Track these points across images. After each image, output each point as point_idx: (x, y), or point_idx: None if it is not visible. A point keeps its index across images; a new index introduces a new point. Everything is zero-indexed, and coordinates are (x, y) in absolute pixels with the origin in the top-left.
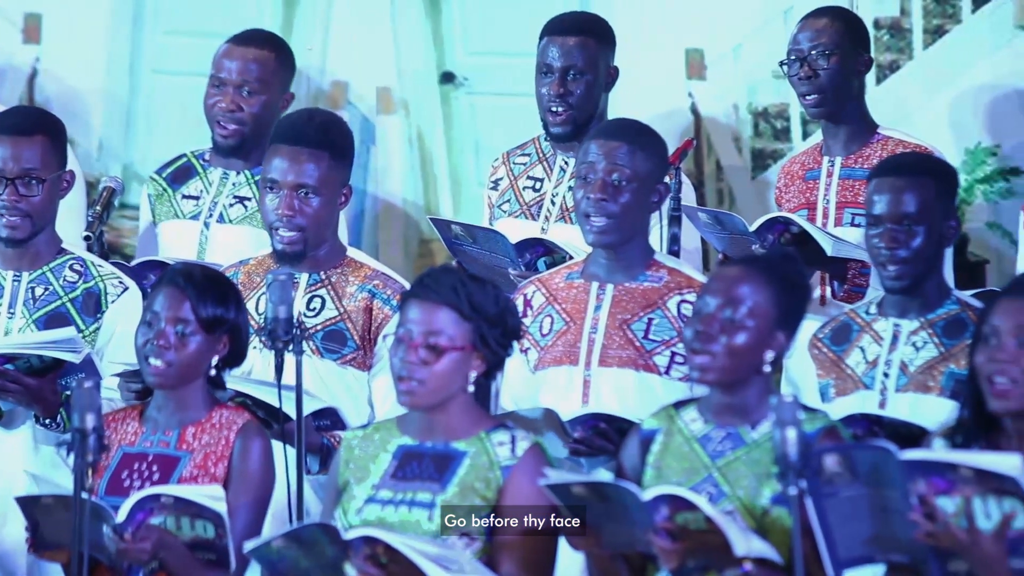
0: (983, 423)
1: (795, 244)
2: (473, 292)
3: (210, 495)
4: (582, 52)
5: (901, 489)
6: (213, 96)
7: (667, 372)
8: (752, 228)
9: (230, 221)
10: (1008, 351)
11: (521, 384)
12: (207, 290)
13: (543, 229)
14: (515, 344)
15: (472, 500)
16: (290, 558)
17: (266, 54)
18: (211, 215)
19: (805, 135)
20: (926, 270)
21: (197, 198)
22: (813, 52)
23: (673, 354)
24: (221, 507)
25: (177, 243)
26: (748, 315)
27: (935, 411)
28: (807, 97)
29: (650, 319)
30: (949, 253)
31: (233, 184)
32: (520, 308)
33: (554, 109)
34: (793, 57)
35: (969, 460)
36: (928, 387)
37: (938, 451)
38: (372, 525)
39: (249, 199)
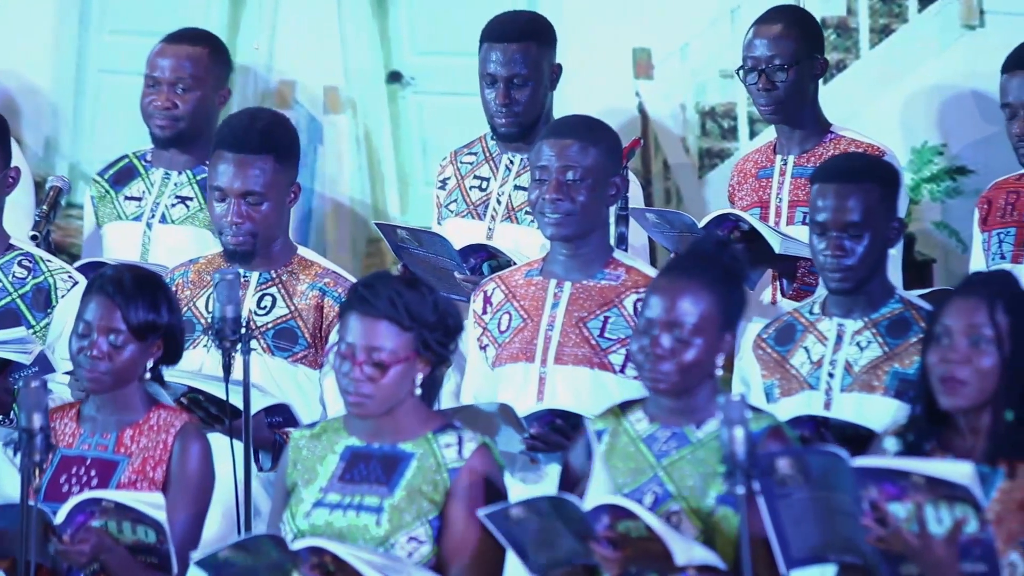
0: (935, 421)
1: (744, 241)
2: (410, 302)
3: (150, 502)
4: (524, 59)
5: (853, 494)
6: (149, 95)
7: (622, 370)
8: (701, 224)
9: (172, 221)
10: (960, 351)
11: (481, 380)
12: (136, 297)
13: (490, 228)
14: (459, 341)
15: (420, 503)
16: (238, 564)
17: (199, 51)
18: (153, 216)
19: (752, 134)
20: (870, 273)
21: (139, 199)
22: (771, 65)
23: (628, 352)
24: (161, 515)
25: (121, 244)
26: (694, 331)
27: (880, 411)
28: (764, 107)
29: (606, 317)
30: (899, 253)
31: (175, 184)
32: (480, 305)
33: (500, 119)
34: (750, 65)
35: (921, 468)
36: (873, 387)
37: (889, 459)
38: (320, 530)
39: (191, 199)
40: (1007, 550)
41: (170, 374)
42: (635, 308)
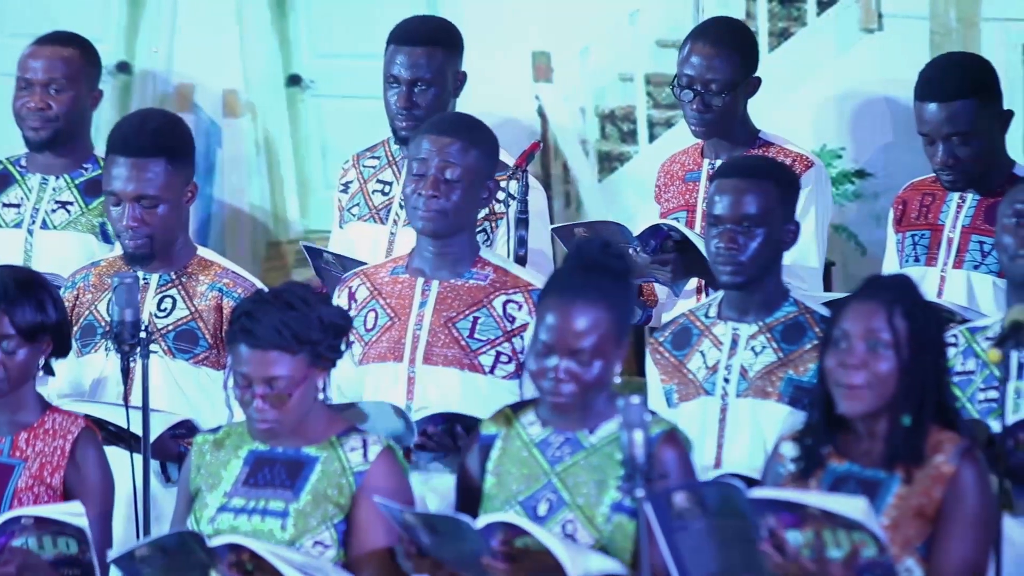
0: (833, 425)
1: (677, 251)
2: (296, 326)
3: (70, 512)
4: (429, 63)
5: (751, 522)
6: (21, 98)
7: (492, 371)
8: (636, 235)
9: (54, 227)
10: (858, 355)
11: (348, 377)
12: (22, 299)
13: (392, 233)
14: (350, 335)
15: (325, 507)
16: (155, 562)
17: (71, 52)
18: (34, 222)
19: (652, 138)
20: (762, 272)
21: (18, 206)
22: (708, 89)
23: (498, 354)
24: (82, 522)
25: (2, 252)
26: (594, 354)
27: (774, 417)
28: (695, 125)
29: (475, 318)
30: (820, 265)
31: (53, 189)
32: (344, 301)
33: (401, 122)
34: (685, 82)
35: (816, 502)
36: (767, 392)
37: (785, 491)
38: (225, 534)
39: (71, 203)
40: (903, 556)
41: (71, 404)
42: (504, 309)
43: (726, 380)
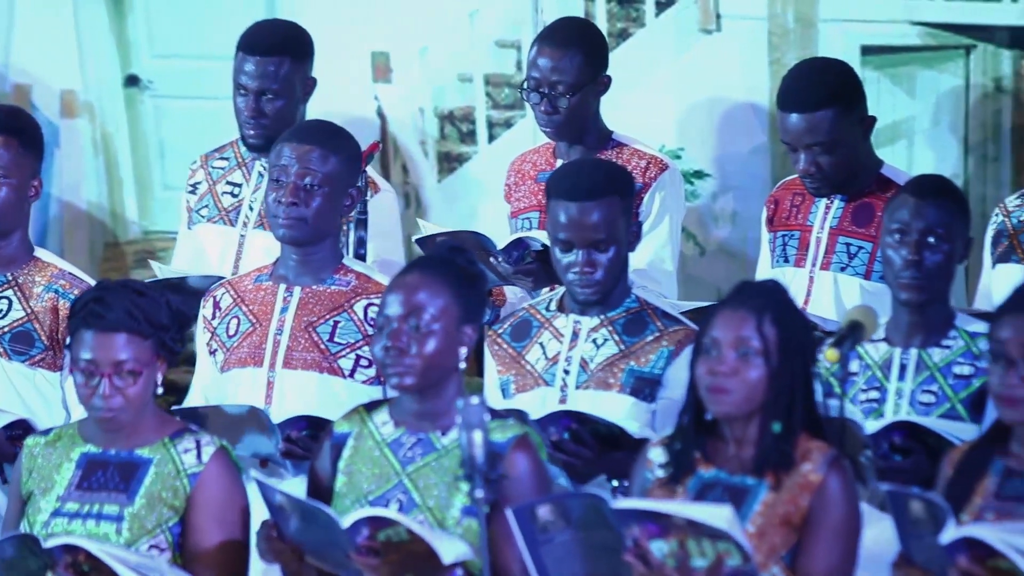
0: (702, 431)
1: (540, 261)
2: (147, 309)
3: None
4: (276, 74)
5: (615, 532)
6: None
7: (352, 375)
8: (500, 247)
9: None
10: (728, 363)
11: (209, 384)
12: None
13: (241, 235)
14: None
15: (160, 510)
16: None
17: None
18: None
19: (491, 138)
20: (616, 281)
21: None
22: (554, 91)
23: (358, 357)
24: None
25: None
26: (433, 320)
27: (615, 408)
28: (545, 127)
29: (336, 322)
30: (673, 260)
31: None
32: (210, 310)
33: (249, 130)
34: (532, 85)
35: (681, 511)
36: (608, 384)
37: (650, 501)
38: (61, 537)
39: None
40: (768, 564)
41: None
42: (365, 313)
43: (566, 372)
